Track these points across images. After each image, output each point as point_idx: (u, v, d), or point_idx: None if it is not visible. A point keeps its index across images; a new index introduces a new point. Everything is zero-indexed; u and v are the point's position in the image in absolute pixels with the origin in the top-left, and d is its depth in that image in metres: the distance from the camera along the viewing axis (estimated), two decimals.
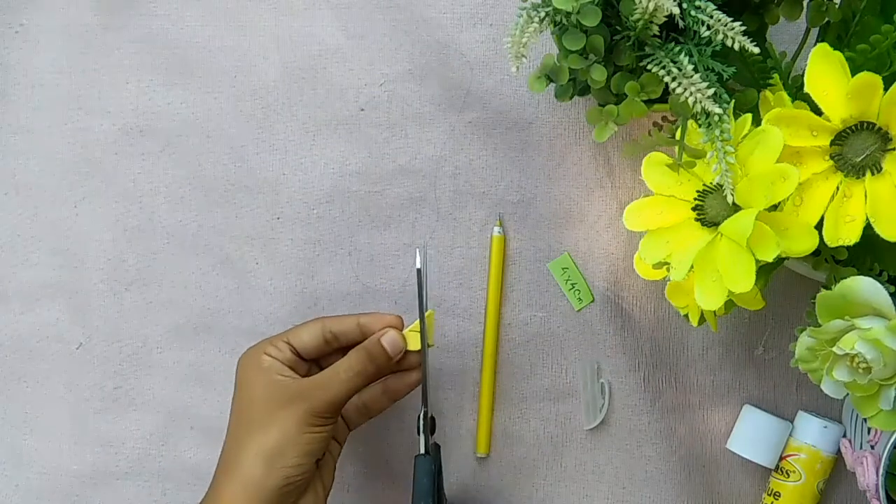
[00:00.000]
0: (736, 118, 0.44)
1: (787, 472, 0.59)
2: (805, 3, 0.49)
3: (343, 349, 0.57)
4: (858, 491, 0.58)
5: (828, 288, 0.44)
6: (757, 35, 0.48)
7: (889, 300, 0.42)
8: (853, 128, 0.42)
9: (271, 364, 0.55)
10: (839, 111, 0.42)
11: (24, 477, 0.66)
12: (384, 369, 0.56)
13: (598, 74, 0.46)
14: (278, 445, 0.53)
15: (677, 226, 0.46)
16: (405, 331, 0.57)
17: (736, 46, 0.42)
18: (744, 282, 0.42)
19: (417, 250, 0.58)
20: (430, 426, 0.58)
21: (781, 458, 0.60)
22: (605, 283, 0.63)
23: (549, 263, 0.62)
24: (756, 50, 0.41)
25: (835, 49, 0.41)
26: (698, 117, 0.43)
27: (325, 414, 0.54)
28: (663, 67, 0.44)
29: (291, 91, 0.64)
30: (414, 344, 0.57)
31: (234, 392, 0.56)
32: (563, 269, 0.62)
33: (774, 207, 0.43)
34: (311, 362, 0.58)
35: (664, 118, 0.52)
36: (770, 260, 0.42)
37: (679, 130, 0.45)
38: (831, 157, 0.43)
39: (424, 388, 0.57)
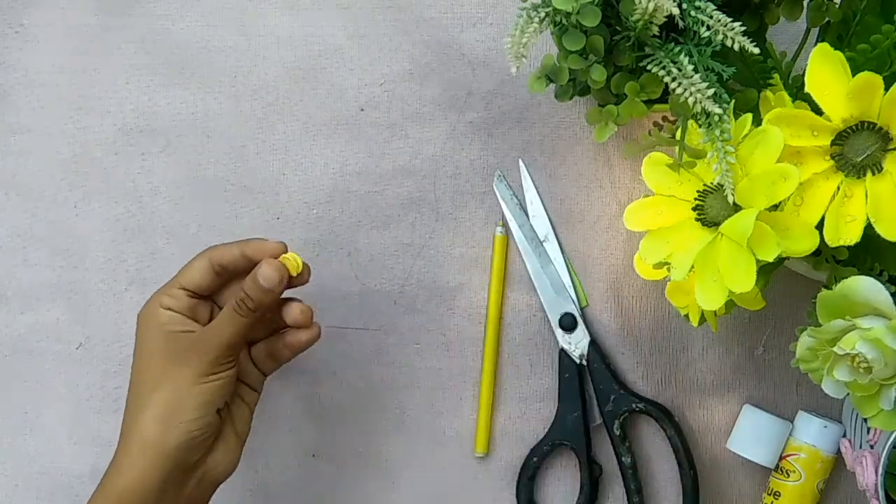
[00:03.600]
0: (736, 118, 0.44)
1: (787, 471, 0.59)
2: (805, 3, 0.49)
3: (238, 281, 0.56)
4: (858, 491, 0.58)
5: (828, 288, 0.44)
6: (757, 35, 0.48)
7: (890, 300, 0.42)
8: (854, 128, 0.42)
9: (169, 318, 0.54)
10: (840, 111, 0.42)
11: (24, 477, 0.66)
12: (267, 304, 0.54)
13: (598, 75, 0.46)
14: (173, 401, 0.52)
15: (677, 226, 0.46)
16: (283, 256, 0.54)
17: (736, 46, 0.42)
18: (744, 282, 0.42)
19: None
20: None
21: (781, 458, 0.60)
22: (605, 283, 0.63)
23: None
24: (756, 50, 0.41)
25: (835, 49, 0.41)
26: (698, 117, 0.43)
27: (215, 362, 0.52)
28: (663, 68, 0.44)
29: (291, 91, 0.64)
30: (295, 268, 0.54)
31: (134, 352, 0.55)
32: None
33: (775, 207, 0.43)
34: (211, 302, 0.56)
35: (664, 118, 0.52)
36: (770, 260, 0.42)
37: (679, 130, 0.45)
38: (832, 157, 0.43)
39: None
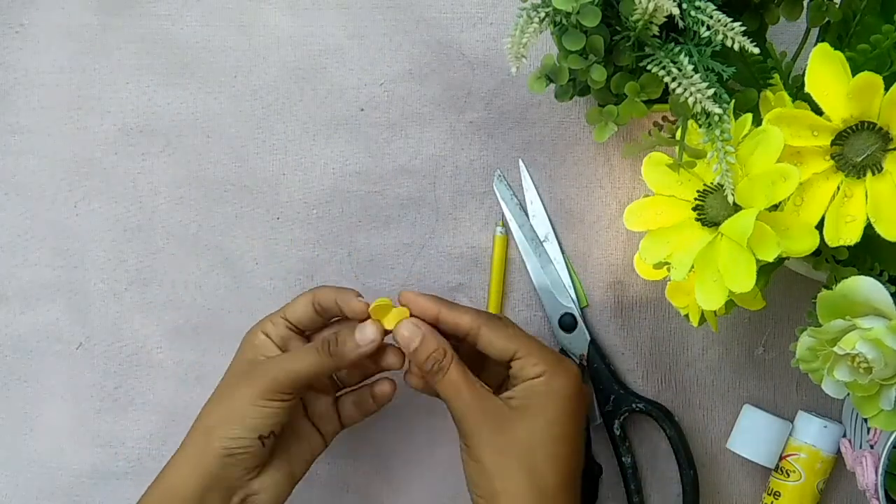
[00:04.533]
0: (736, 118, 0.44)
1: (787, 471, 0.59)
2: (805, 3, 0.49)
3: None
4: (858, 491, 0.58)
5: (828, 288, 0.44)
6: (757, 35, 0.48)
7: (890, 300, 0.42)
8: (854, 128, 0.42)
9: (262, 342, 0.56)
10: (840, 111, 0.42)
11: (24, 477, 0.66)
12: (350, 358, 0.54)
13: (598, 75, 0.46)
14: (225, 415, 0.53)
15: (677, 226, 0.46)
16: (373, 305, 0.55)
17: (736, 46, 0.42)
18: (744, 282, 0.42)
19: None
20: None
21: (781, 458, 0.60)
22: (605, 283, 0.63)
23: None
24: (756, 50, 0.41)
25: (835, 49, 0.41)
26: (698, 117, 0.43)
27: (273, 388, 0.53)
28: (663, 68, 0.44)
29: (291, 91, 0.64)
30: (389, 323, 0.55)
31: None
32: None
33: (775, 207, 0.43)
34: (305, 339, 0.58)
35: (664, 118, 0.52)
36: (770, 260, 0.42)
37: (679, 130, 0.45)
38: (832, 157, 0.43)
39: None
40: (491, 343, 0.54)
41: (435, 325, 0.55)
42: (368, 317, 0.55)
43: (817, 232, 0.42)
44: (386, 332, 0.55)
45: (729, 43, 0.42)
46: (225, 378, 0.57)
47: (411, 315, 0.55)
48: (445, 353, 0.54)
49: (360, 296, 0.56)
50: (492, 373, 0.57)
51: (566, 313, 0.62)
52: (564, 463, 0.53)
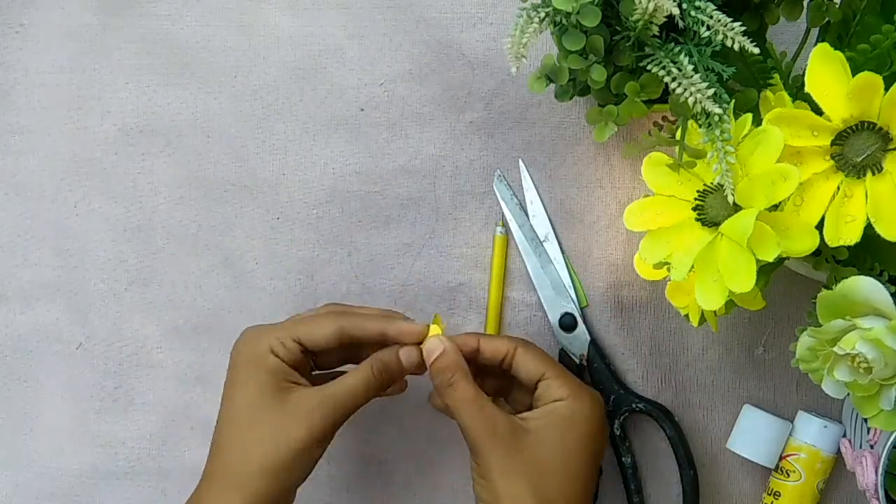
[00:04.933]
0: (736, 118, 0.44)
1: (787, 471, 0.59)
2: (805, 3, 0.49)
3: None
4: (858, 491, 0.58)
5: (828, 288, 0.44)
6: (757, 35, 0.48)
7: (890, 300, 0.42)
8: (854, 128, 0.42)
9: (277, 366, 0.53)
10: (840, 111, 0.42)
11: (24, 477, 0.66)
12: (396, 380, 0.56)
13: (598, 75, 0.46)
14: (288, 461, 0.51)
15: (677, 226, 0.46)
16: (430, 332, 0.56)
17: (736, 46, 0.42)
18: (744, 282, 0.42)
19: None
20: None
21: (781, 458, 0.60)
22: (605, 283, 0.63)
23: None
24: (756, 50, 0.41)
25: (835, 49, 0.41)
26: (698, 117, 0.43)
27: (336, 426, 0.53)
28: (663, 68, 0.44)
29: (291, 91, 0.64)
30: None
31: (228, 383, 0.54)
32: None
33: (775, 207, 0.43)
34: (310, 357, 0.56)
35: (664, 118, 0.52)
36: (770, 260, 0.42)
37: (679, 130, 0.45)
38: (832, 157, 0.43)
39: None
40: (524, 364, 0.55)
41: (476, 355, 0.55)
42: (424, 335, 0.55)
43: (817, 232, 0.42)
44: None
45: (729, 43, 0.42)
46: (241, 401, 0.53)
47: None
48: (458, 367, 0.53)
49: (406, 318, 0.56)
50: (517, 399, 0.58)
51: (566, 313, 0.62)
52: (575, 490, 0.52)
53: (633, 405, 0.61)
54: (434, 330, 0.55)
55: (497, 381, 0.58)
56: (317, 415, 0.52)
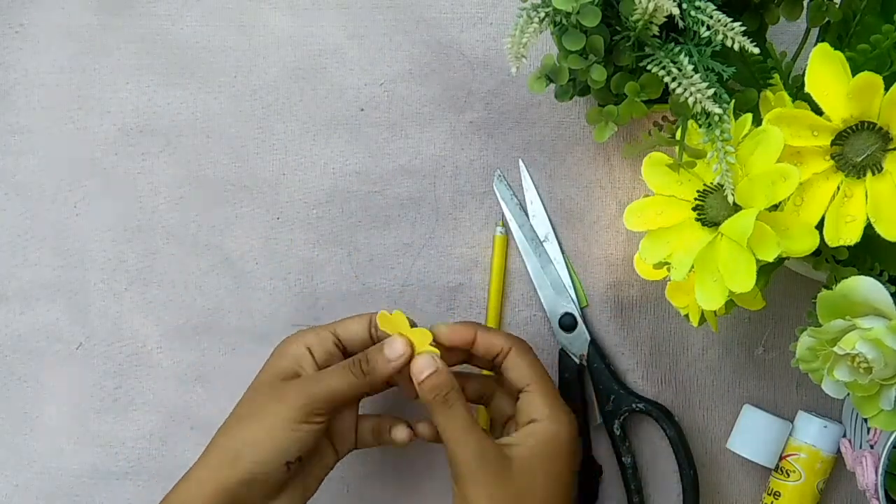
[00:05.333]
0: (736, 118, 0.44)
1: (787, 471, 0.59)
2: (805, 3, 0.49)
3: None
4: (858, 491, 0.58)
5: (828, 288, 0.44)
6: (757, 35, 0.48)
7: (890, 300, 0.42)
8: (854, 127, 0.42)
9: (302, 356, 0.54)
10: (840, 111, 0.42)
11: (24, 477, 0.66)
12: (382, 376, 0.54)
13: (598, 75, 0.47)
14: (253, 437, 0.52)
15: (677, 226, 0.46)
16: (379, 315, 0.55)
17: (736, 46, 0.42)
18: (744, 282, 0.42)
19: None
20: None
21: (781, 458, 0.60)
22: (605, 283, 0.63)
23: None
24: (756, 50, 0.41)
25: (835, 49, 0.41)
26: (698, 117, 0.43)
27: (307, 411, 0.52)
28: (663, 68, 0.44)
29: (291, 91, 0.64)
30: (422, 344, 0.54)
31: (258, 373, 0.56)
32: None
33: (775, 207, 0.43)
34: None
35: (664, 118, 0.52)
36: (770, 260, 0.42)
37: (679, 130, 0.46)
38: (832, 157, 0.43)
39: None
40: (515, 366, 0.55)
41: (470, 346, 0.55)
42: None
43: (817, 232, 0.42)
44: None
45: (729, 43, 0.42)
46: (252, 392, 0.54)
47: (434, 342, 0.54)
48: (453, 387, 0.53)
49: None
50: (499, 407, 0.57)
51: (566, 313, 0.62)
52: None
53: (633, 405, 0.61)
54: (424, 343, 0.54)
55: (480, 386, 0.58)
56: (290, 399, 0.52)
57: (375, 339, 0.56)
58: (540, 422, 0.53)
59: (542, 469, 0.52)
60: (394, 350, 0.53)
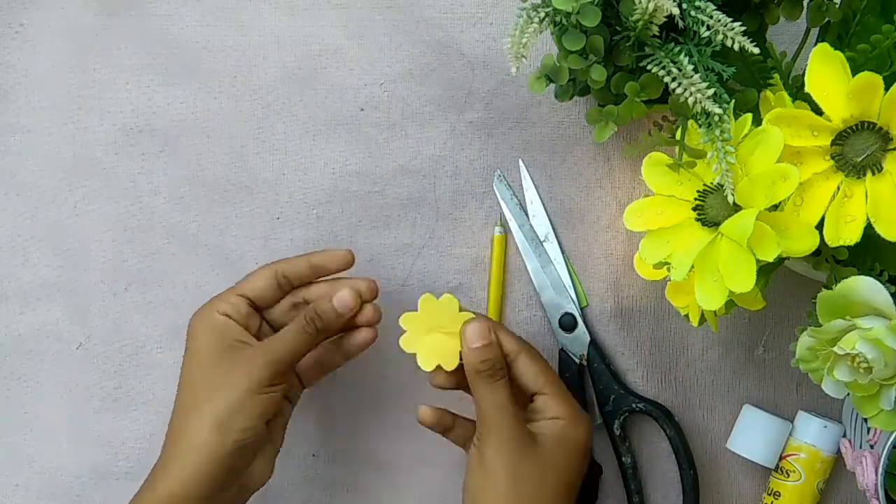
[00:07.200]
0: (736, 118, 0.44)
1: (787, 471, 0.59)
2: (805, 3, 0.49)
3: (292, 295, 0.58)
4: (858, 491, 0.58)
5: (828, 288, 0.44)
6: (757, 35, 0.48)
7: (890, 300, 0.42)
8: (854, 127, 0.42)
9: (226, 325, 0.55)
10: (840, 111, 0.42)
11: (23, 477, 0.66)
12: (334, 328, 0.56)
13: (598, 75, 0.47)
14: (229, 410, 0.53)
15: (677, 226, 0.46)
16: (404, 315, 0.57)
17: (736, 46, 0.42)
18: (744, 282, 0.42)
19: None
20: None
21: (781, 458, 0.60)
22: (605, 283, 0.63)
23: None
24: (756, 50, 0.41)
25: (835, 49, 0.41)
26: (698, 117, 0.43)
27: (276, 375, 0.54)
28: (663, 68, 0.44)
29: (291, 91, 0.64)
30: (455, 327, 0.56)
31: (185, 355, 0.56)
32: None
33: (775, 207, 0.43)
34: (260, 316, 0.58)
35: (664, 118, 0.52)
36: (770, 260, 0.42)
37: (679, 130, 0.46)
38: (832, 157, 0.43)
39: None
40: (526, 371, 0.56)
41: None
42: (353, 260, 0.57)
43: (817, 232, 0.42)
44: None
45: (729, 43, 0.42)
46: (197, 369, 0.55)
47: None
48: (503, 365, 0.55)
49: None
50: (458, 435, 0.59)
51: (566, 313, 0.62)
52: None
53: (633, 405, 0.61)
54: (461, 318, 0.56)
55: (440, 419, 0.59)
56: (256, 365, 0.53)
57: (284, 286, 0.57)
58: (563, 419, 0.55)
59: (561, 454, 0.54)
60: (344, 304, 0.55)
